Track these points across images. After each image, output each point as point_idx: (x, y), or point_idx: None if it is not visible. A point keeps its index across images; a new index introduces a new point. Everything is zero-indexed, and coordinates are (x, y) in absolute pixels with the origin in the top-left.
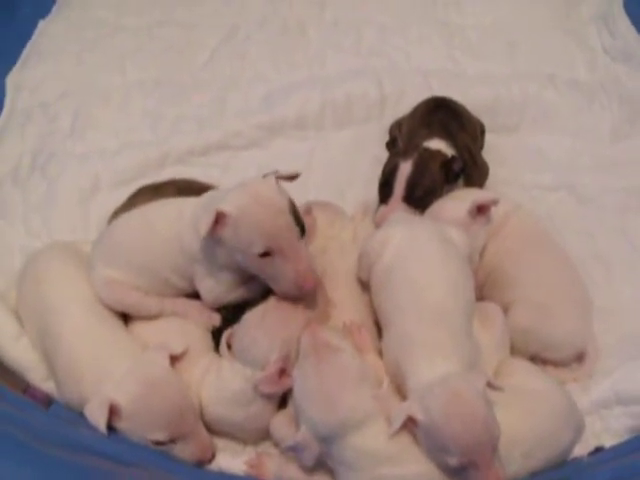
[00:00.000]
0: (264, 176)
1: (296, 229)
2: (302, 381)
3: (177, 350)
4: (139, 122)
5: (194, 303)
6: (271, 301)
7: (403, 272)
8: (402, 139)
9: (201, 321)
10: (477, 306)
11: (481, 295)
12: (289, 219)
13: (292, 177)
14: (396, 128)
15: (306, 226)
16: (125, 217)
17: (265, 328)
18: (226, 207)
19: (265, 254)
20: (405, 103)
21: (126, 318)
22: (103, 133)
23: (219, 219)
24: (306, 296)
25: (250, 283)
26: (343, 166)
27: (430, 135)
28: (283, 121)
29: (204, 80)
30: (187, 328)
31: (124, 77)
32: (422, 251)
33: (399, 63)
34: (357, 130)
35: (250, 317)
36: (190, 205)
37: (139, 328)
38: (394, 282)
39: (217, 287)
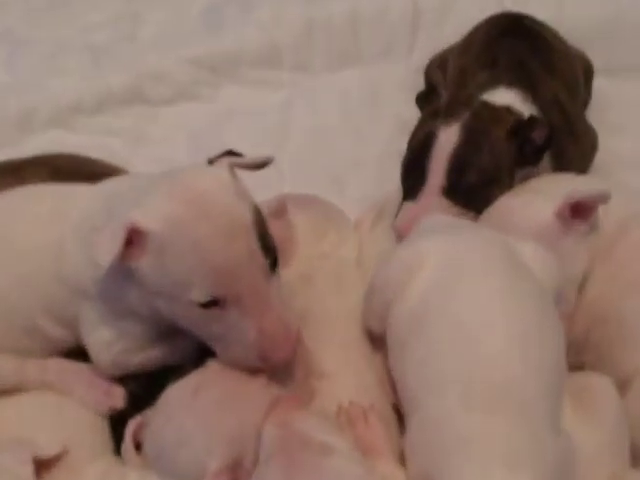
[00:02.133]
0: (210, 162)
1: (264, 261)
2: None
3: (48, 451)
4: None
5: (81, 369)
6: (211, 367)
7: (441, 319)
8: (446, 87)
9: (92, 401)
10: (571, 379)
11: (580, 359)
12: (253, 243)
13: (259, 165)
14: (436, 69)
15: (277, 242)
16: None
17: (199, 415)
18: (145, 219)
19: (210, 303)
20: (452, 24)
21: None
22: None
23: (133, 238)
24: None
25: (174, 338)
26: (341, 135)
27: (494, 81)
28: (238, 54)
29: None
30: (67, 413)
31: None
32: (474, 283)
33: None
34: (366, 71)
35: (174, 395)
36: (77, 201)
37: None
38: (426, 335)
39: (118, 342)
